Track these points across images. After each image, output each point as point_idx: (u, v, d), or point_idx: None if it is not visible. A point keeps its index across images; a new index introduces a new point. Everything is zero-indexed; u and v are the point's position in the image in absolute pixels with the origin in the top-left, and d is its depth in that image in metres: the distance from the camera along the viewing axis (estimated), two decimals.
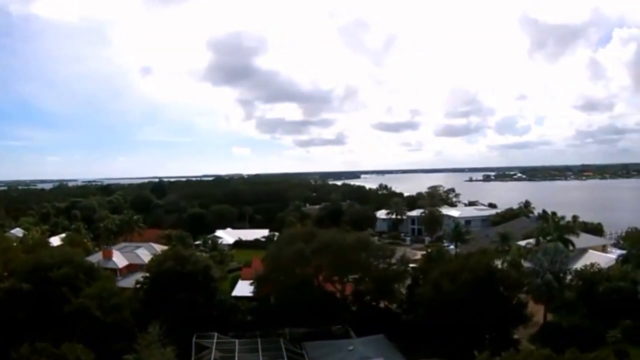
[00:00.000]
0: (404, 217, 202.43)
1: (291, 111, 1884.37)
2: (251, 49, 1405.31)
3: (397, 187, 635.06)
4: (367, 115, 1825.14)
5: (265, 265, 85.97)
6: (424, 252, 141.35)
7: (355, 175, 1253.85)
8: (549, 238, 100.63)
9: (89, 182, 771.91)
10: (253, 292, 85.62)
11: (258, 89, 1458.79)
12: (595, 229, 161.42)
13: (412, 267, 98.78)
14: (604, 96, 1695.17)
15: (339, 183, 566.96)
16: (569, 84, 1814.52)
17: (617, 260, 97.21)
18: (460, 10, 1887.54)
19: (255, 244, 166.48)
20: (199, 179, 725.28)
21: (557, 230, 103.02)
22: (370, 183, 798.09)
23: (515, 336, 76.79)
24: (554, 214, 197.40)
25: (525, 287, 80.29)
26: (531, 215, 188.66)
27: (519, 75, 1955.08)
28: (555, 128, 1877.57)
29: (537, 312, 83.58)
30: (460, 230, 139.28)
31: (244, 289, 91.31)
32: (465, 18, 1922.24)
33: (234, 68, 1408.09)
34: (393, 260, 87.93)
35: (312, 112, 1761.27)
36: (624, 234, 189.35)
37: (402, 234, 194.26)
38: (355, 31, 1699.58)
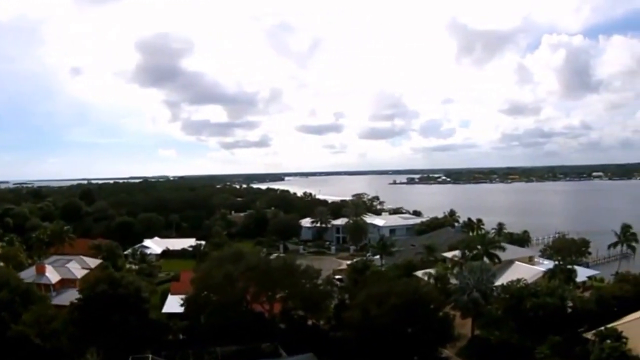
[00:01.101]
0: (329, 225, 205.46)
1: (216, 113, 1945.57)
2: (178, 50, 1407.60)
3: (321, 190, 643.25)
4: (291, 118, 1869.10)
5: (195, 287, 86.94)
6: (350, 262, 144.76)
7: (279, 177, 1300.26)
8: (475, 252, 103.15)
9: (20, 184, 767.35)
10: (184, 311, 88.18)
11: (184, 90, 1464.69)
12: (522, 239, 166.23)
13: (339, 284, 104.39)
14: (531, 100, 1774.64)
15: (263, 187, 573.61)
16: (496, 88, 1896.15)
17: (544, 275, 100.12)
18: (388, 13, 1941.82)
19: (182, 253, 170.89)
20: (126, 180, 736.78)
21: (483, 245, 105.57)
22: (294, 186, 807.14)
23: (446, 352, 78.86)
24: (479, 221, 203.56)
25: (452, 304, 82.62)
26: (456, 225, 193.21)
27: (445, 79, 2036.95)
28: (481, 131, 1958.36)
29: (465, 324, 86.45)
30: (385, 243, 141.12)
31: (174, 304, 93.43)
32: (393, 22, 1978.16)
33: (161, 69, 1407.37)
34: (319, 281, 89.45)
35: (237, 114, 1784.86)
36: (550, 242, 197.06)
37: (327, 243, 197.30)
38: (280, 34, 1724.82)
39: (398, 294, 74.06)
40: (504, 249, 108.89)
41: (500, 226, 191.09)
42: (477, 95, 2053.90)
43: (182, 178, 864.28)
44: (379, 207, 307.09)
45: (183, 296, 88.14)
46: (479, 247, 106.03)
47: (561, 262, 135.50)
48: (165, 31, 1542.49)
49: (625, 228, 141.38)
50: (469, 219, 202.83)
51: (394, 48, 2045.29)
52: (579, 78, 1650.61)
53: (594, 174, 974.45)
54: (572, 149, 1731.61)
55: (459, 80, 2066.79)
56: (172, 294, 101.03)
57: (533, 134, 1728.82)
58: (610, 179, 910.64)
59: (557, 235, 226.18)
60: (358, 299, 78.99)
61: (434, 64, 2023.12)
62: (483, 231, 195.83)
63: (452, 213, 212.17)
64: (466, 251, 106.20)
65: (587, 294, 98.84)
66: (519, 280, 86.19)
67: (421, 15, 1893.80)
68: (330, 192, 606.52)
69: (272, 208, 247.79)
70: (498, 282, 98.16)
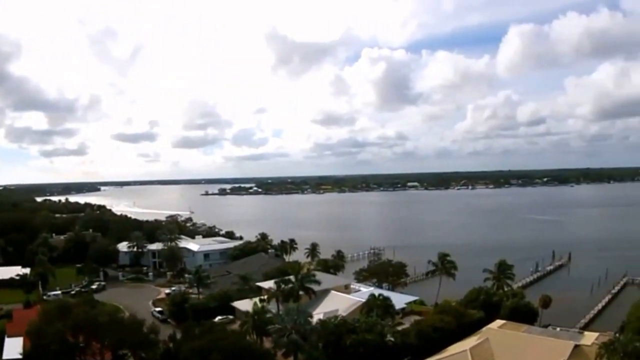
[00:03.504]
0: (145, 250, 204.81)
1: (38, 120, 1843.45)
2: (4, 54, 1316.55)
3: (135, 202, 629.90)
4: (108, 126, 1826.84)
5: (30, 341, 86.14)
6: (168, 291, 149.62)
7: (96, 187, 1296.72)
8: (290, 286, 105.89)
9: None
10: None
11: (8, 96, 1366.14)
12: (336, 265, 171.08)
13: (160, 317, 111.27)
14: (347, 111, 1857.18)
15: (81, 200, 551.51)
16: (312, 99, 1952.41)
17: (362, 309, 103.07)
18: (208, 22, 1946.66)
19: (11, 282, 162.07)
20: None
21: (298, 281, 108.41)
22: (109, 198, 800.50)
23: None
24: (292, 241, 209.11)
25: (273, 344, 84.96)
26: (270, 251, 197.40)
27: (260, 89, 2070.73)
28: (294, 141, 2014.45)
29: None
30: (201, 275, 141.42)
31: (13, 348, 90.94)
32: (212, 30, 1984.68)
33: None
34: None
35: (57, 121, 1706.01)
36: (367, 259, 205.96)
37: (145, 268, 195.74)
38: (104, 39, 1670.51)
39: (221, 349, 75.30)
40: (319, 283, 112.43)
41: (314, 247, 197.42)
42: (291, 105, 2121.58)
43: (5, 188, 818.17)
44: (191, 227, 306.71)
45: (21, 339, 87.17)
46: (293, 281, 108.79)
47: (378, 286, 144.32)
48: None
49: (442, 257, 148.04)
50: (282, 242, 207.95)
51: (210, 57, 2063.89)
52: (398, 90, 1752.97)
53: (409, 183, 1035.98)
54: (387, 158, 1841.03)
55: (274, 90, 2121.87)
56: (9, 336, 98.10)
57: (346, 144, 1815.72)
58: (426, 188, 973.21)
59: (372, 252, 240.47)
60: (183, 353, 79.52)
61: (249, 74, 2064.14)
62: (297, 253, 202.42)
63: (264, 237, 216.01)
64: (282, 284, 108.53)
65: (407, 324, 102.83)
66: (336, 317, 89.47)
67: (240, 25, 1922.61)
68: (145, 205, 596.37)
69: (91, 230, 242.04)
70: (315, 313, 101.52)
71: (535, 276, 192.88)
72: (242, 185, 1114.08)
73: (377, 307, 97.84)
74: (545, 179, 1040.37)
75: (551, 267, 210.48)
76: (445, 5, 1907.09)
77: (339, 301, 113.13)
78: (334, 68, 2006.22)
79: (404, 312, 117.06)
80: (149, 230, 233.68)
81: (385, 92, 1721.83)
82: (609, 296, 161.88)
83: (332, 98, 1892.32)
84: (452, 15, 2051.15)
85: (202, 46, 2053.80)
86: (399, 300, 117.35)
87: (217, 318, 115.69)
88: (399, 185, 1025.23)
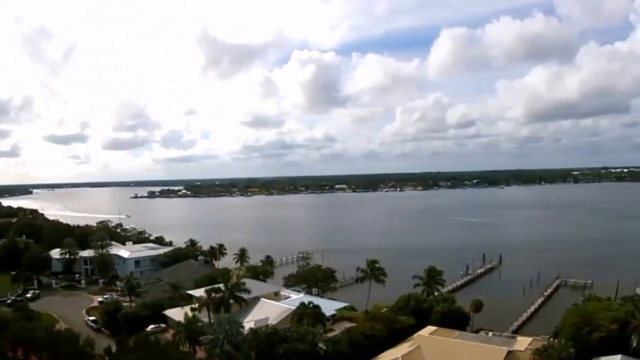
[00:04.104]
0: (77, 257, 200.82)
1: None
2: None
3: (67, 205, 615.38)
4: (40, 127, 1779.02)
5: None
6: (101, 300, 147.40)
7: (28, 190, 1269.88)
8: (220, 295, 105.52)
9: None
10: None
11: None
12: (265, 272, 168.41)
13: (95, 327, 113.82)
14: (275, 113, 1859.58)
15: (14, 204, 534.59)
16: (241, 100, 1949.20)
17: (293, 317, 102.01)
18: (138, 23, 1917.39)
19: None
20: None
21: (228, 290, 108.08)
22: (41, 201, 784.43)
23: None
24: (221, 246, 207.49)
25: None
26: (199, 257, 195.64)
27: (190, 90, 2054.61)
28: (222, 142, 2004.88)
29: None
30: (132, 285, 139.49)
31: None
32: (142, 32, 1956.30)
33: None
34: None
35: None
36: (295, 263, 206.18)
37: (77, 276, 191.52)
38: (38, 39, 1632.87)
39: None
40: (249, 292, 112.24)
41: (243, 252, 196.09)
42: (220, 107, 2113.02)
43: None
44: (122, 233, 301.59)
45: None
46: (224, 290, 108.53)
47: (307, 292, 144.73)
48: None
49: (371, 263, 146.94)
50: (212, 247, 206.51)
51: (141, 58, 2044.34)
52: (326, 93, 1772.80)
53: (337, 185, 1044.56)
54: (315, 160, 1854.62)
55: (203, 92, 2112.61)
56: None
57: (274, 146, 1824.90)
58: (354, 190, 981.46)
59: (301, 256, 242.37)
60: None
61: (179, 75, 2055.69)
62: (226, 258, 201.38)
63: (193, 243, 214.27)
64: (213, 293, 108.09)
65: (338, 331, 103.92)
66: (267, 326, 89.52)
67: (170, 27, 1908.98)
68: (76, 208, 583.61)
69: (24, 237, 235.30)
70: (246, 321, 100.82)
71: (465, 279, 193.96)
72: (171, 188, 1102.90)
73: (308, 315, 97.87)
74: (474, 181, 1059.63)
75: (482, 270, 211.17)
76: (377, 8, 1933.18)
77: (270, 309, 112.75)
78: (263, 70, 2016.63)
79: (335, 318, 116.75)
80: (81, 236, 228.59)
81: (314, 94, 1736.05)
82: (542, 298, 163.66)
83: (261, 100, 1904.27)
84: (384, 18, 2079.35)
85: (133, 47, 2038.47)
86: (329, 306, 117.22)
87: (150, 327, 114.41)
88: (327, 188, 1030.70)
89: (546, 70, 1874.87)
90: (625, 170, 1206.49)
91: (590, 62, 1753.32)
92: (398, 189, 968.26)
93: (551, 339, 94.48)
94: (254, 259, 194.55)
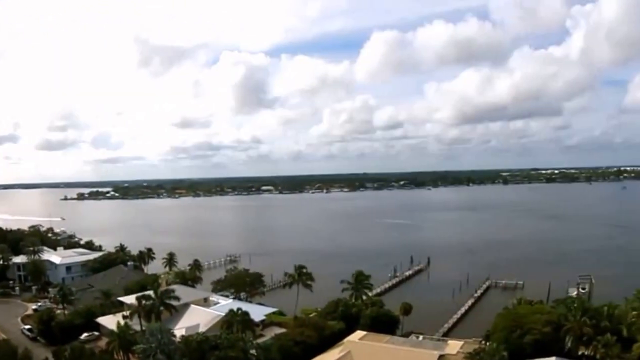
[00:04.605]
0: (10, 263, 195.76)
1: None
2: None
3: None
4: None
5: None
6: (35, 307, 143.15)
7: None
8: (151, 302, 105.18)
9: None
10: None
11: None
12: (195, 278, 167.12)
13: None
14: (203, 115, 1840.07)
15: None
16: (169, 102, 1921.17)
17: (223, 324, 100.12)
18: (70, 23, 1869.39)
19: None
20: None
21: (158, 297, 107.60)
22: None
23: None
24: (149, 250, 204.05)
25: None
26: (129, 263, 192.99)
27: (120, 91, 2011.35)
28: (151, 143, 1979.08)
29: None
30: (65, 292, 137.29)
31: None
32: (74, 31, 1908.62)
33: None
34: None
35: None
36: (224, 267, 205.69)
37: (11, 282, 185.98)
38: None
39: None
40: (178, 299, 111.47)
41: (171, 257, 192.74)
42: (150, 108, 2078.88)
43: None
44: (53, 238, 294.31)
45: None
46: (154, 297, 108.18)
47: (235, 296, 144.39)
48: None
49: (299, 269, 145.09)
50: (141, 252, 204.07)
51: (72, 58, 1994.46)
52: (255, 94, 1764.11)
53: (264, 187, 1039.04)
54: (241, 161, 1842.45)
55: (133, 93, 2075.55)
56: None
57: (202, 147, 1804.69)
58: (280, 192, 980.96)
59: (228, 259, 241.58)
60: None
61: (110, 76, 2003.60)
62: (155, 262, 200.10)
63: (122, 248, 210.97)
64: (143, 301, 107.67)
65: (268, 336, 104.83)
66: (198, 334, 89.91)
67: (101, 27, 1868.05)
68: (7, 211, 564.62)
69: None
70: (177, 328, 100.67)
71: (394, 281, 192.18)
72: (100, 189, 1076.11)
73: (237, 322, 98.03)
74: (401, 182, 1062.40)
75: (410, 272, 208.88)
76: (310, 10, 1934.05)
77: (200, 315, 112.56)
78: (193, 71, 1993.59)
79: (264, 323, 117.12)
80: (13, 241, 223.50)
81: (242, 96, 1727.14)
82: (472, 300, 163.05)
83: (190, 101, 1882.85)
84: (316, 21, 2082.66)
85: (64, 47, 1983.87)
86: (258, 312, 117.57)
87: (84, 335, 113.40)
88: (254, 189, 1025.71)
89: (477, 73, 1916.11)
90: (556, 171, 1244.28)
91: (523, 66, 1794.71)
92: (324, 191, 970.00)
93: (483, 342, 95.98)
94: (182, 263, 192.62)
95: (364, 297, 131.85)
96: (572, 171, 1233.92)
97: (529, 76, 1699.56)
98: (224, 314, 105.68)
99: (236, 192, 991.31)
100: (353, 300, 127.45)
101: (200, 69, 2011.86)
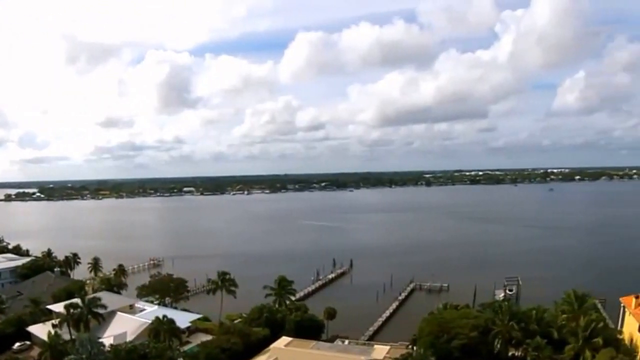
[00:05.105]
0: None
1: None
2: None
3: None
4: None
5: None
6: None
7: None
8: (78, 310, 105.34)
9: None
10: None
11: None
12: (120, 284, 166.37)
13: None
14: (128, 114, 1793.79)
15: None
16: (94, 101, 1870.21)
17: (149, 332, 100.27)
18: None
19: None
20: None
21: (85, 305, 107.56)
22: None
23: None
24: (75, 255, 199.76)
25: None
26: (56, 269, 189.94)
27: (47, 89, 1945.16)
28: (76, 143, 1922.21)
29: None
30: None
31: None
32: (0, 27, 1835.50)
33: None
34: None
35: None
36: (148, 279, 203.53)
37: None
38: None
39: None
40: (105, 307, 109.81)
41: (96, 261, 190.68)
42: (75, 106, 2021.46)
43: None
44: None
45: None
46: (81, 305, 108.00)
47: (160, 302, 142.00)
48: None
49: (222, 275, 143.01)
50: (67, 257, 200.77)
51: None
52: (178, 94, 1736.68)
53: (185, 188, 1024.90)
54: (163, 161, 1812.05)
55: (58, 91, 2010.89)
56: None
57: (125, 147, 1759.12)
58: (202, 193, 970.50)
59: (152, 263, 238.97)
60: None
61: (36, 73, 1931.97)
62: (81, 267, 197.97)
63: (49, 253, 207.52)
64: (70, 309, 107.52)
65: (194, 343, 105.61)
66: (126, 343, 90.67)
67: (27, 23, 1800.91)
68: None
69: None
70: (105, 337, 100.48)
71: (317, 285, 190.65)
72: (26, 190, 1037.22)
73: (164, 330, 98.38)
74: (323, 184, 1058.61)
75: (333, 275, 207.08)
76: (237, 10, 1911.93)
77: (126, 323, 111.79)
78: (118, 70, 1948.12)
79: (190, 330, 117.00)
80: None
81: (166, 95, 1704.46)
82: (396, 303, 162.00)
83: (115, 100, 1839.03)
84: (242, 21, 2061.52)
85: None
86: (184, 318, 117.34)
87: (16, 345, 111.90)
88: (176, 190, 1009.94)
89: (402, 75, 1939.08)
90: (480, 173, 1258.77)
91: (449, 69, 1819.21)
92: (246, 192, 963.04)
93: (410, 346, 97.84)
94: (107, 267, 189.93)
95: (288, 302, 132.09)
96: (497, 173, 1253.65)
97: (454, 79, 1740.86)
98: (150, 322, 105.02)
99: (158, 194, 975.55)
100: (277, 306, 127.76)
101: (125, 68, 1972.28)
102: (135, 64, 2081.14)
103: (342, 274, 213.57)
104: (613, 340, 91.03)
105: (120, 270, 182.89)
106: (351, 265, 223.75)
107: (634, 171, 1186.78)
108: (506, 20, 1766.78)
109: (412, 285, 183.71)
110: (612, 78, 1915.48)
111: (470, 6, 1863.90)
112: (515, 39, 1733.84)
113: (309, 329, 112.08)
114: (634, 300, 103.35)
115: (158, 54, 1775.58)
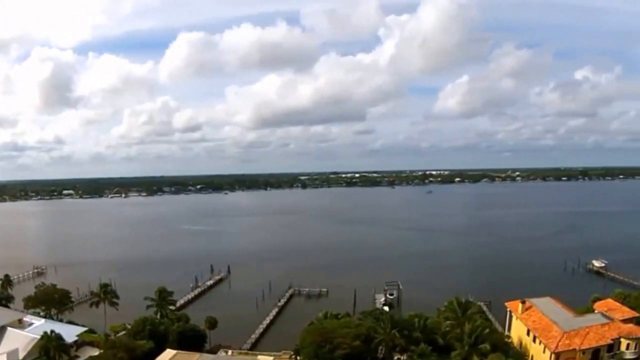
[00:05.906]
0: None
1: None
2: None
3: None
4: None
5: None
6: None
7: None
8: None
9: None
10: None
11: None
12: (8, 297, 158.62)
13: None
14: (12, 112, 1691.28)
15: None
16: None
17: (40, 349, 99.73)
18: None
19: None
20: None
21: None
22: None
23: None
24: None
25: None
26: None
27: None
28: None
29: None
30: None
31: None
32: None
33: None
34: None
35: None
36: (34, 290, 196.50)
37: None
38: None
39: None
40: None
41: None
42: None
43: None
44: None
45: None
46: None
47: (46, 315, 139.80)
48: None
49: (103, 287, 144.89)
50: None
51: None
52: (59, 93, 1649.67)
53: (65, 191, 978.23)
54: (45, 162, 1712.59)
55: None
56: None
57: (7, 147, 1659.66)
58: (81, 197, 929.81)
59: (36, 271, 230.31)
60: None
61: None
62: None
63: None
64: None
65: (82, 357, 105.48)
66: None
67: None
68: None
69: None
70: None
71: (196, 292, 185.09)
72: None
73: (53, 347, 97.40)
74: (199, 186, 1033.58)
75: (211, 282, 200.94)
76: (122, 8, 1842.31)
77: (17, 339, 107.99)
78: (5, 66, 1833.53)
79: (77, 344, 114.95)
80: None
81: (48, 94, 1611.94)
82: (276, 309, 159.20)
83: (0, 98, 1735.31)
84: (127, 19, 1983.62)
85: None
86: (70, 332, 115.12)
87: None
88: (56, 193, 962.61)
89: (280, 77, 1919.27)
90: (357, 175, 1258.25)
91: (328, 72, 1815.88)
92: (123, 195, 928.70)
93: (293, 356, 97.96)
94: None
95: (168, 312, 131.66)
96: (375, 175, 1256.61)
97: (333, 82, 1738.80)
98: (39, 337, 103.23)
99: (39, 197, 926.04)
100: (159, 317, 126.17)
101: (12, 64, 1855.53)
102: (21, 61, 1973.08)
103: (220, 280, 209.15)
104: (502, 344, 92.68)
105: (7, 281, 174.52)
106: (229, 271, 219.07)
107: (517, 173, 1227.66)
108: (390, 24, 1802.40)
109: (290, 291, 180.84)
110: (497, 83, 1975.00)
111: (354, 10, 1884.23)
112: (398, 43, 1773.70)
113: (192, 339, 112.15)
114: (520, 305, 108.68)
115: (43, 51, 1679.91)
